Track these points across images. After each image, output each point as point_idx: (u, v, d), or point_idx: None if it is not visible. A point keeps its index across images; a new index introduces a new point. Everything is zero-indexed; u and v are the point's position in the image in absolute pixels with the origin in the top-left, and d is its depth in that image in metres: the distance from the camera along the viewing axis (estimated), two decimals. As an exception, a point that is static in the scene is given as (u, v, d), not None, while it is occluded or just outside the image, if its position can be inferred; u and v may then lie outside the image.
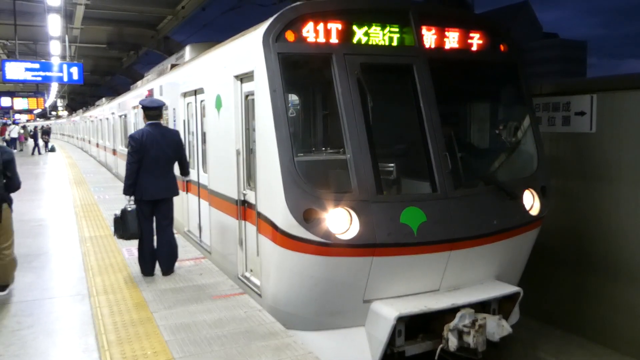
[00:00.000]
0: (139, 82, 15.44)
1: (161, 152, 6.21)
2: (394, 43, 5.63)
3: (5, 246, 5.84)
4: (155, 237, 6.45)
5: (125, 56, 28.81)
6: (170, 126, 9.59)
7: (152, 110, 6.39)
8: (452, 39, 5.90)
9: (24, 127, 46.05)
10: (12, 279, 6.10)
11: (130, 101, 14.55)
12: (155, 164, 6.17)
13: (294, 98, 6.55)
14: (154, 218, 6.42)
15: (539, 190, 6.04)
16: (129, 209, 6.21)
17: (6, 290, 5.97)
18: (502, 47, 6.30)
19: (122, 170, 11.69)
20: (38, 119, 69.69)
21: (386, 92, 6.18)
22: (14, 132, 37.27)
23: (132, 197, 6.24)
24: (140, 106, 6.54)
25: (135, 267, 6.86)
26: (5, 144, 32.83)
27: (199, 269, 6.79)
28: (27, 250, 7.82)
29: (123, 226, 6.23)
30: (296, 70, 5.68)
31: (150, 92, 11.49)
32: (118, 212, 6.30)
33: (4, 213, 5.63)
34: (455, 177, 5.51)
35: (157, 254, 6.49)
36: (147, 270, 6.47)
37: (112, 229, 6.44)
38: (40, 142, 35.26)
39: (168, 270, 6.52)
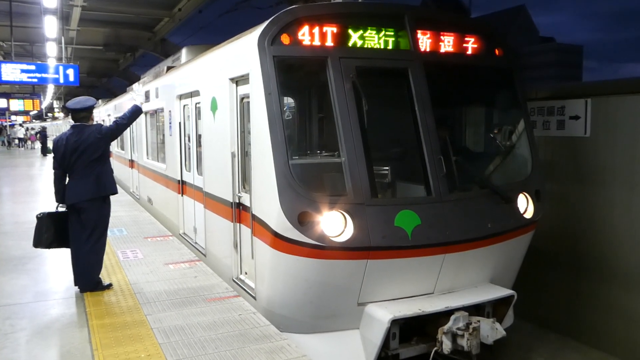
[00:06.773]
0: (135, 84, 15.41)
1: (78, 155, 5.78)
2: (390, 47, 5.64)
3: None
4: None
5: (122, 58, 28.87)
6: (167, 128, 9.59)
7: (77, 112, 5.94)
8: (448, 43, 5.92)
9: (26, 129, 49.36)
10: None
11: (126, 103, 14.51)
12: (73, 167, 5.82)
13: (289, 101, 6.56)
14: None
15: (533, 194, 6.06)
16: (39, 215, 5.89)
17: None
18: (497, 52, 6.32)
19: (117, 172, 11.68)
20: (34, 120, 69.54)
21: (381, 95, 6.20)
22: (20, 132, 46.10)
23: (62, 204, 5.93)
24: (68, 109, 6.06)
25: (130, 269, 6.86)
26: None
27: (193, 272, 6.78)
28: (21, 252, 7.79)
29: (36, 233, 5.91)
30: (291, 73, 5.68)
31: (146, 94, 11.48)
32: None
33: None
34: (450, 181, 5.52)
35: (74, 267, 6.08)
36: (74, 280, 6.08)
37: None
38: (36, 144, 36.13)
39: (81, 288, 6.03)
